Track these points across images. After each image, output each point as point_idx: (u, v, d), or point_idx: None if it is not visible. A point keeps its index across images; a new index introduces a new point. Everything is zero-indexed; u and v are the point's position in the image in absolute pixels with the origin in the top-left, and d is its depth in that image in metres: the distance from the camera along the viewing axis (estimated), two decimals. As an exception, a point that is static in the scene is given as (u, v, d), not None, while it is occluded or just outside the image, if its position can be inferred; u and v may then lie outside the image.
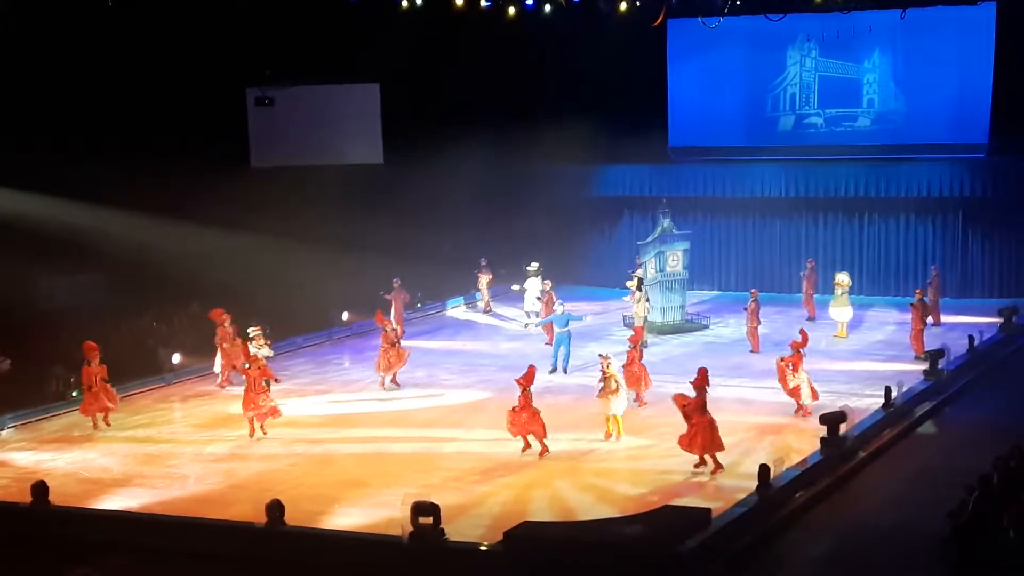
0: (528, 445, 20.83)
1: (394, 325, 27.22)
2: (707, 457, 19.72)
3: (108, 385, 23.63)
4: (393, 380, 26.16)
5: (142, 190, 29.35)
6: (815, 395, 22.93)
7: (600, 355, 21.88)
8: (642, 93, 36.80)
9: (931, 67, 34.72)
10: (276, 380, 23.72)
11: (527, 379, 20.83)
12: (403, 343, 26.78)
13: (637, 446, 21.33)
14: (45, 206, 28.85)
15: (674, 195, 34.81)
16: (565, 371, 26.76)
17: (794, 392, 22.85)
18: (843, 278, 29.63)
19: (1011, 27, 32.91)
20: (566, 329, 26.99)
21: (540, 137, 34.91)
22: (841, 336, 29.32)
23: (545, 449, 20.74)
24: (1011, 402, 23.81)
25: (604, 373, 21.49)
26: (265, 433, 22.57)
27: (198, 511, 18.50)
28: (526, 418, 20.66)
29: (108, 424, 23.59)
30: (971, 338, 27.35)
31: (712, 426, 19.71)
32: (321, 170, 34.02)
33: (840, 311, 29.46)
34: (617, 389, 21.45)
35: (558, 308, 27.47)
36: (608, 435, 21.64)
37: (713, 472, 19.66)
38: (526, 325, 32.13)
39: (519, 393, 20.75)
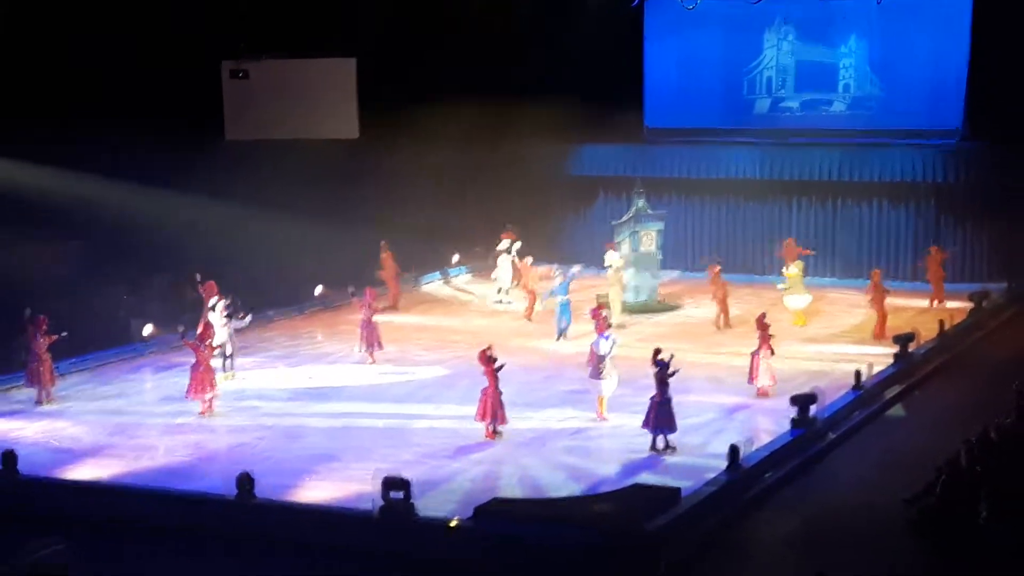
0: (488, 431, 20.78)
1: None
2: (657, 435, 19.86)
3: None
4: (371, 355, 26.16)
5: (116, 161, 29.17)
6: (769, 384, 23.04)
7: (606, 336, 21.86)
8: (619, 73, 36.67)
9: (907, 53, 34.77)
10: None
11: (479, 360, 20.84)
12: (375, 318, 26.75)
13: (608, 425, 21.39)
14: (18, 174, 28.64)
15: (649, 175, 34.71)
16: (566, 336, 27.40)
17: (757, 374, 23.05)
18: (796, 268, 29.39)
19: (987, 14, 32.96)
20: (566, 297, 27.62)
21: (516, 115, 34.80)
22: (801, 324, 28.99)
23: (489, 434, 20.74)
24: (980, 387, 23.95)
25: (596, 355, 21.54)
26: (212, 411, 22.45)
27: (167, 483, 18.49)
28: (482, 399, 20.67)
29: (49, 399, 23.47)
30: (941, 322, 27.50)
31: (658, 405, 19.76)
32: (296, 144, 33.88)
33: (796, 299, 29.19)
34: (606, 370, 21.46)
35: (558, 277, 28.18)
36: (600, 415, 21.66)
37: (651, 448, 19.80)
38: (499, 301, 32.21)
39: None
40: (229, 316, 24.61)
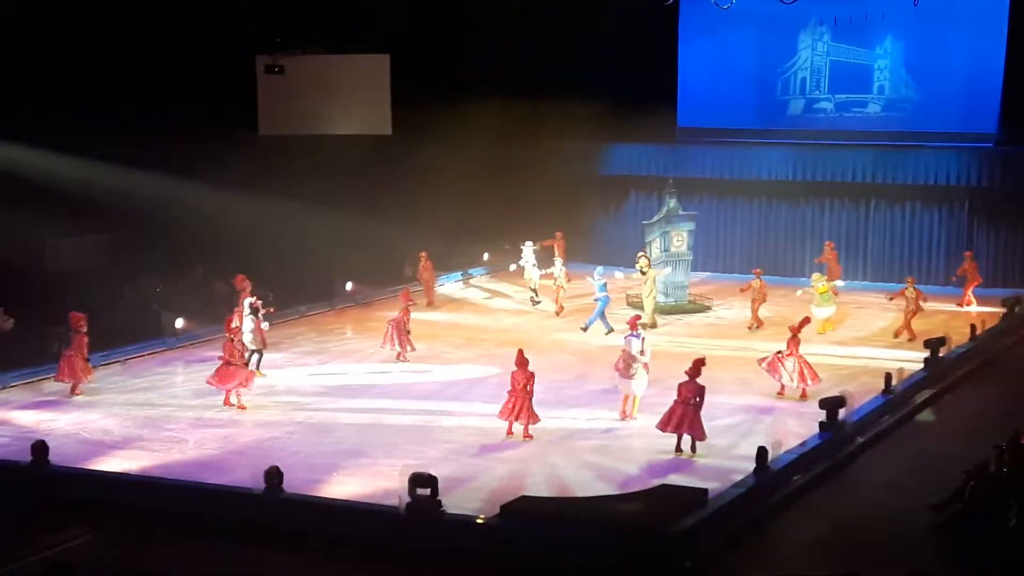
0: (511, 432, 20.66)
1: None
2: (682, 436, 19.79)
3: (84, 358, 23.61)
4: (403, 355, 26.19)
5: (150, 154, 29.31)
6: (815, 378, 22.89)
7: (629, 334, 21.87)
8: (652, 72, 36.68)
9: (942, 55, 34.62)
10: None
11: (516, 363, 20.73)
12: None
13: (636, 425, 21.36)
14: (54, 165, 28.82)
15: (681, 175, 34.67)
16: (608, 330, 27.78)
17: (775, 373, 23.04)
18: (821, 280, 28.75)
19: (1024, 17, 32.87)
20: (605, 293, 28.24)
21: (548, 113, 34.85)
22: (828, 329, 28.37)
23: (526, 434, 20.61)
24: (1010, 392, 23.83)
25: (628, 353, 21.53)
26: (244, 408, 22.47)
27: (196, 476, 18.58)
28: (513, 402, 20.52)
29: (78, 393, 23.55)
30: (973, 327, 27.37)
31: (689, 409, 19.66)
32: (328, 140, 33.99)
33: (822, 310, 28.46)
34: (637, 370, 21.43)
35: (597, 276, 28.71)
36: (623, 414, 21.67)
37: (676, 451, 19.73)
38: (532, 298, 32.17)
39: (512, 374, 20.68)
40: (253, 313, 24.61)
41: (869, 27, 35.27)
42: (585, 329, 28.29)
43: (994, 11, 33.58)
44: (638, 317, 23.54)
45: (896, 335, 27.77)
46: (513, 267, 33.01)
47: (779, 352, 23.12)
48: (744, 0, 32.31)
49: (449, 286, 35.19)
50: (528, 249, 32.14)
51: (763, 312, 29.11)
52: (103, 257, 30.22)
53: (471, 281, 36.01)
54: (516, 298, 33.13)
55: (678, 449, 19.80)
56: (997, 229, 34.17)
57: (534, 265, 32.00)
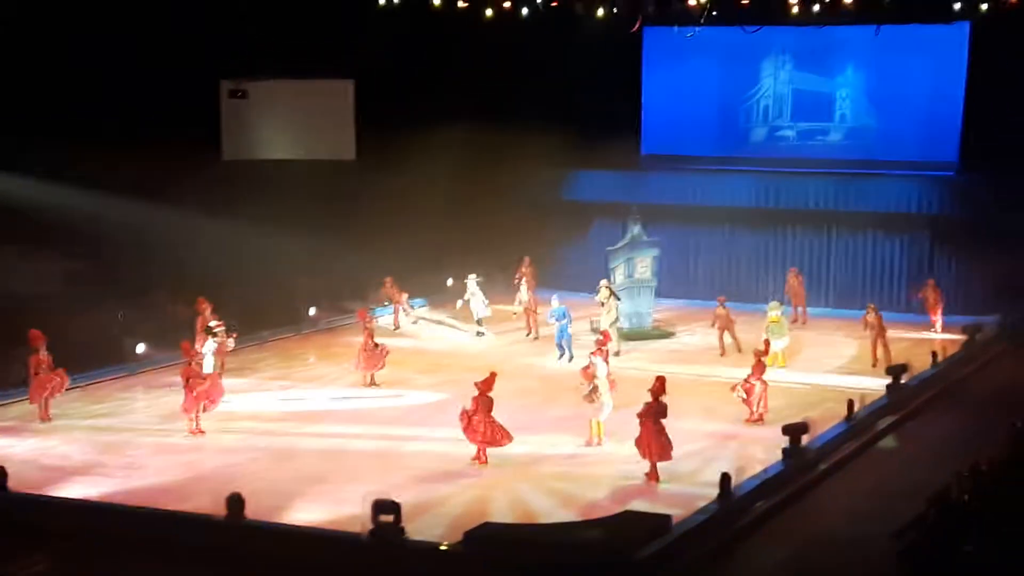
0: (481, 457, 20.65)
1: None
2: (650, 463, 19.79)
3: (56, 370, 23.35)
4: (372, 379, 26.11)
5: (112, 177, 29.16)
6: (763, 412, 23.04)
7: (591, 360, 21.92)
8: (616, 100, 36.75)
9: (904, 84, 34.91)
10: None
11: (487, 385, 20.78)
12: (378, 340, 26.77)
13: (600, 451, 21.35)
14: (10, 187, 28.65)
15: (645, 202, 34.71)
16: (571, 358, 27.67)
17: (747, 399, 23.07)
18: (776, 309, 28.45)
19: (984, 47, 33.12)
20: (565, 320, 28.28)
21: (512, 139, 34.81)
22: (780, 365, 27.51)
23: (484, 459, 20.59)
24: (972, 420, 23.94)
25: (590, 376, 21.54)
26: (202, 432, 22.36)
27: (158, 502, 18.45)
28: (478, 423, 20.47)
29: (47, 418, 23.26)
30: (934, 355, 27.52)
31: (659, 433, 19.70)
32: (292, 164, 33.92)
33: (776, 342, 27.65)
34: (601, 395, 21.44)
35: (554, 302, 28.83)
36: (590, 441, 21.63)
37: (648, 478, 19.71)
38: (478, 333, 31.74)
39: (473, 397, 20.67)
40: (210, 335, 24.49)
41: (831, 56, 35.58)
42: (570, 359, 27.83)
43: (954, 41, 33.87)
44: (606, 339, 23.58)
45: (874, 365, 27.57)
46: (459, 303, 31.91)
47: (747, 379, 23.20)
48: (707, 29, 32.50)
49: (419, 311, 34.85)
50: (472, 282, 31.77)
51: (727, 339, 29.15)
52: (61, 281, 29.95)
53: (413, 312, 35.14)
54: (469, 329, 32.49)
55: (649, 474, 19.76)
56: (958, 257, 34.35)
57: (474, 295, 31.62)
